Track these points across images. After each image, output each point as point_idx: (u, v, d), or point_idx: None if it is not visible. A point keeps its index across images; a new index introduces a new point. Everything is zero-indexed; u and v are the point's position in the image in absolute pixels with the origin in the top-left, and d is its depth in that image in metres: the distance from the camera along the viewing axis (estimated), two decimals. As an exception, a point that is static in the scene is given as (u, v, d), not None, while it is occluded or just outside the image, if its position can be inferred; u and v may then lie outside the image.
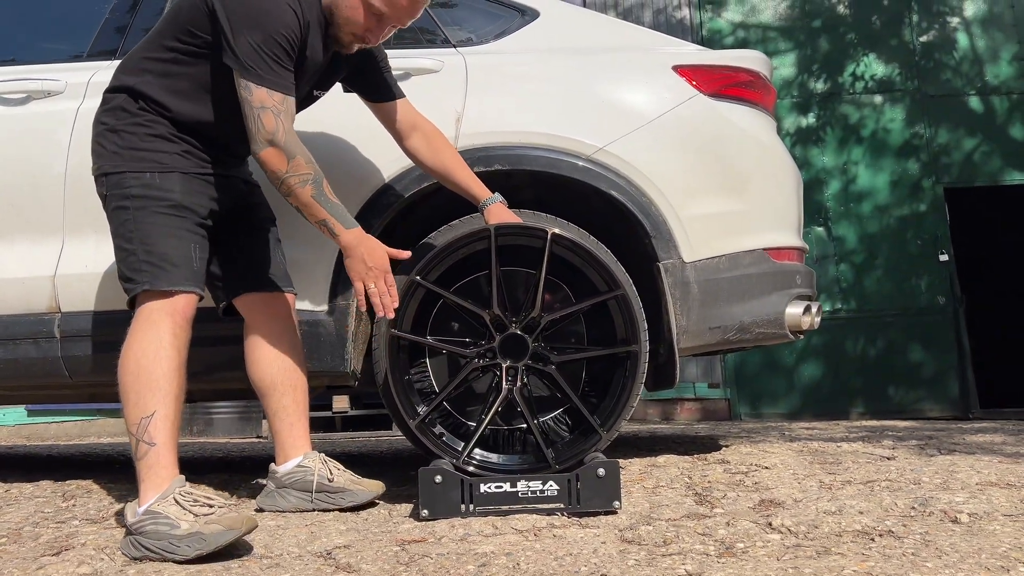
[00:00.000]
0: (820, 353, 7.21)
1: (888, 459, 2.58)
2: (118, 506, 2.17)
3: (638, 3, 7.98)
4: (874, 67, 7.68)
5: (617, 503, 1.88)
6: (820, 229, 7.44)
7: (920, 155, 7.51)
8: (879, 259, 7.38)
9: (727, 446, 2.95)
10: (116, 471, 2.90)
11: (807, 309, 2.53)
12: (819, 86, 7.71)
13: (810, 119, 7.66)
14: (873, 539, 1.60)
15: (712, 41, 7.73)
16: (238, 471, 2.85)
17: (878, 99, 7.64)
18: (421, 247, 2.30)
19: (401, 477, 2.48)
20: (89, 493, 2.37)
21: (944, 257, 7.29)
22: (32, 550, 1.75)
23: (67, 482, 2.52)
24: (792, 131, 7.62)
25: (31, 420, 6.90)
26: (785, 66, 7.71)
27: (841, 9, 7.80)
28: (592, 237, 2.33)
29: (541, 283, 2.03)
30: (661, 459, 2.62)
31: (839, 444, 2.95)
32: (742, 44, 7.73)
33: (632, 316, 2.08)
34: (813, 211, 7.34)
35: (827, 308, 7.28)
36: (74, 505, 2.23)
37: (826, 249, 7.41)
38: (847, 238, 7.44)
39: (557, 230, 2.04)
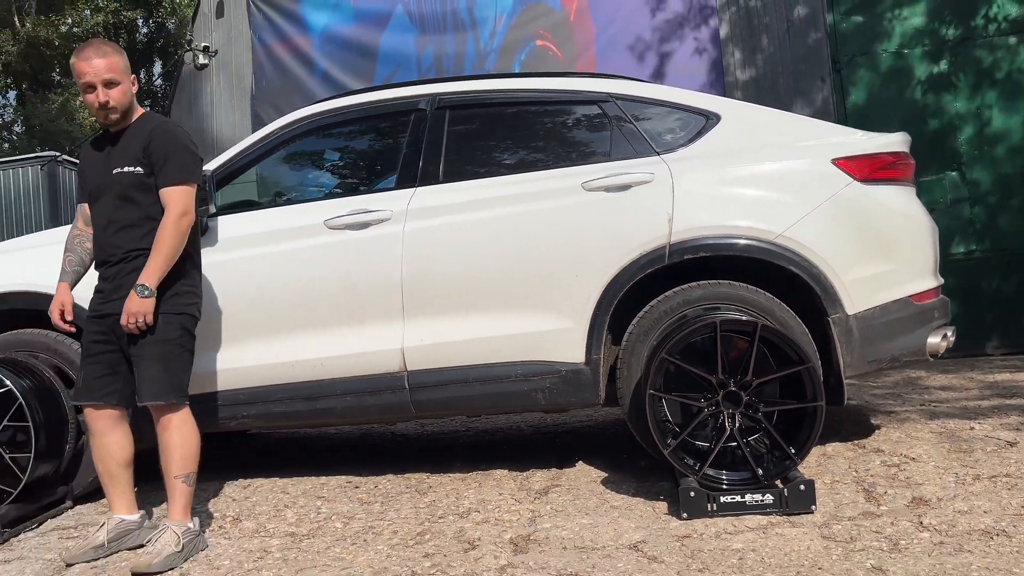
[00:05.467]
0: (955, 293, 7.65)
1: (1011, 445, 3.40)
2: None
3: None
4: (1008, 8, 7.83)
5: (813, 507, 2.84)
6: (954, 174, 7.84)
7: (1057, 94, 7.70)
8: (1015, 199, 7.74)
9: (878, 427, 3.83)
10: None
11: (944, 336, 3.38)
12: (951, 32, 7.94)
13: (942, 66, 7.94)
14: (992, 537, 2.50)
15: None
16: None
17: (1012, 40, 7.83)
18: (648, 311, 3.28)
19: (643, 473, 3.51)
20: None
21: (1082, 193, 7.57)
22: None
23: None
24: (924, 79, 7.94)
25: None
26: (916, 16, 7.97)
27: (973, -49, 7.92)
28: (778, 301, 3.23)
29: (752, 359, 2.95)
30: (829, 448, 3.54)
31: (972, 426, 3.75)
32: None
33: (817, 381, 2.97)
34: (947, 157, 7.75)
35: (961, 249, 7.77)
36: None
37: (960, 193, 7.83)
38: (982, 181, 7.81)
39: (765, 322, 2.95)
